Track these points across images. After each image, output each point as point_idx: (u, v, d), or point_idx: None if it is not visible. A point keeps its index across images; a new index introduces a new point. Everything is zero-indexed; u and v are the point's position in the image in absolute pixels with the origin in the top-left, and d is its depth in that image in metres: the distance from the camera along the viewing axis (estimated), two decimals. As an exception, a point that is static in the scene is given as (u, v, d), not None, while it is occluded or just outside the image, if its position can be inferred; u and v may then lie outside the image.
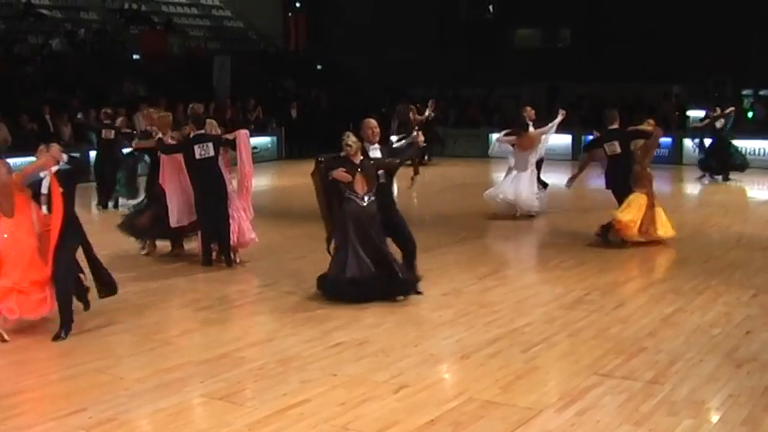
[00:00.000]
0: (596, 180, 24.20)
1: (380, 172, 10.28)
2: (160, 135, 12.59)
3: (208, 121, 12.79)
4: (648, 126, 13.65)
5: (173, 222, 12.42)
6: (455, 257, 12.86)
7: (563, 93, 31.71)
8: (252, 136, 27.25)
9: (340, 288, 10.08)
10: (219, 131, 12.78)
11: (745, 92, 31.31)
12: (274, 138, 28.96)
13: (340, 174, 9.90)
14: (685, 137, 26.48)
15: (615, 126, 13.80)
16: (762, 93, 30.89)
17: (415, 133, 11.00)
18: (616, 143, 13.48)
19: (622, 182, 13.47)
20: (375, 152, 10.29)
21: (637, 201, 13.27)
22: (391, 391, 7.35)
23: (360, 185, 9.95)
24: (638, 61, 30.14)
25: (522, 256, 12.67)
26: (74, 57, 29.15)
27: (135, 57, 31.19)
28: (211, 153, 12.04)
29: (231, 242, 12.15)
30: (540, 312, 9.80)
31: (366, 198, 9.95)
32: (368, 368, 7.94)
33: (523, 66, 32.64)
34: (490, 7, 38.08)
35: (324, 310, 9.93)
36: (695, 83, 30.75)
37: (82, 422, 6.73)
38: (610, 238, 13.52)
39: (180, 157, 12.29)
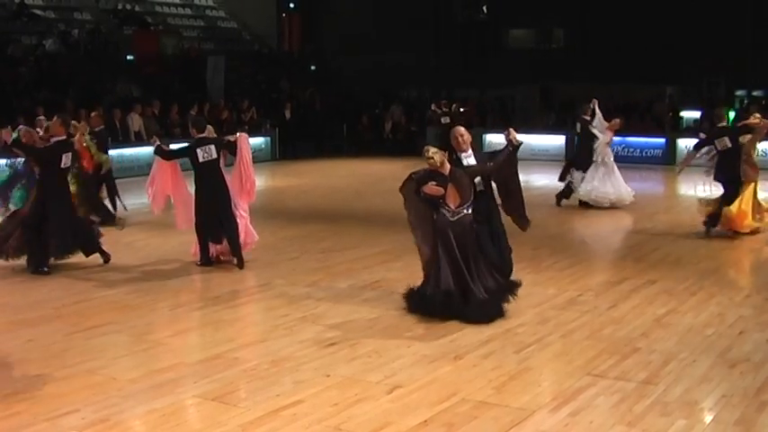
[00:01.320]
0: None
1: (478, 180, 9.77)
2: (158, 142, 12.51)
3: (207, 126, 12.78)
4: (755, 119, 14.41)
5: (182, 225, 12.52)
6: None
7: (556, 93, 31.75)
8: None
9: (433, 302, 9.44)
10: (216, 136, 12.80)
11: (738, 93, 31.38)
12: (268, 138, 28.92)
13: (431, 189, 9.28)
14: (679, 137, 26.51)
15: (723, 123, 14.68)
16: (755, 93, 30.95)
17: (506, 132, 10.10)
18: (726, 138, 14.10)
19: (733, 173, 14.01)
20: (469, 160, 9.83)
21: (747, 192, 13.95)
22: (384, 391, 7.35)
23: (452, 198, 9.35)
24: (631, 62, 30.20)
25: (514, 256, 12.62)
26: (67, 57, 29.11)
27: (129, 57, 31.14)
28: (214, 155, 12.11)
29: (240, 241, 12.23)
30: (533, 313, 9.79)
31: (458, 211, 9.35)
32: (361, 369, 7.94)
33: (517, 67, 32.69)
34: (484, 8, 38.13)
35: (317, 311, 9.93)
36: (688, 84, 30.81)
37: (75, 423, 6.72)
38: (719, 229, 14.16)
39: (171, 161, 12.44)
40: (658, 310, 9.89)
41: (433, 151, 9.38)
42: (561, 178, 18.13)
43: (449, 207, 9.37)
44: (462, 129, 10.14)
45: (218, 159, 12.17)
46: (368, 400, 7.14)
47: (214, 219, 12.09)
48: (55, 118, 12.75)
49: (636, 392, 7.28)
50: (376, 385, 7.50)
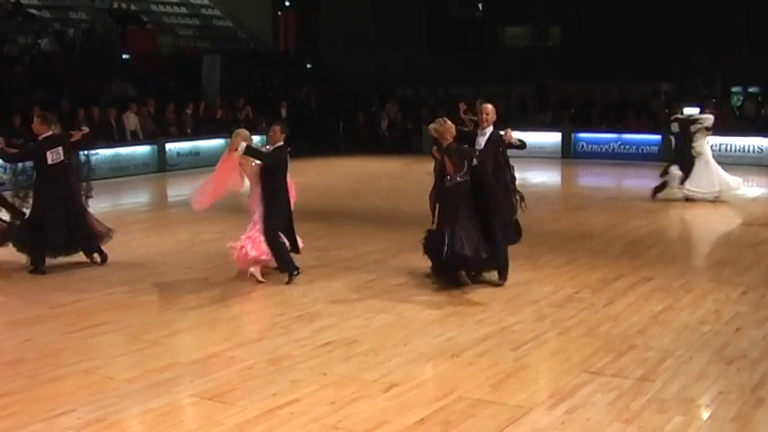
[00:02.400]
0: (585, 178, 24.34)
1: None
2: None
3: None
4: None
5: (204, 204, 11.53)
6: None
7: (552, 91, 31.74)
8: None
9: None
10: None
11: (734, 89, 31.38)
12: (264, 137, 28.86)
13: (433, 151, 10.86)
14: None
15: None
16: (751, 90, 30.96)
17: (503, 132, 10.97)
18: None
19: None
20: (481, 139, 10.99)
21: None
22: (381, 390, 7.35)
23: (448, 166, 10.60)
24: (627, 59, 30.19)
25: (511, 254, 12.64)
26: (63, 57, 29.07)
27: (124, 56, 31.10)
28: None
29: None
30: (530, 310, 9.80)
31: (452, 179, 10.63)
32: (357, 367, 7.94)
33: (512, 64, 32.64)
34: (479, 6, 38.13)
35: (313, 310, 9.93)
36: (684, 80, 30.80)
37: (71, 423, 6.71)
38: None
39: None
40: (655, 307, 9.90)
41: (432, 126, 10.83)
42: (662, 174, 18.54)
43: (447, 173, 10.64)
44: (490, 107, 11.17)
45: None
46: (364, 399, 7.14)
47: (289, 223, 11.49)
48: (35, 118, 12.52)
49: (633, 389, 7.28)
50: (373, 384, 7.50)
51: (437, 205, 10.94)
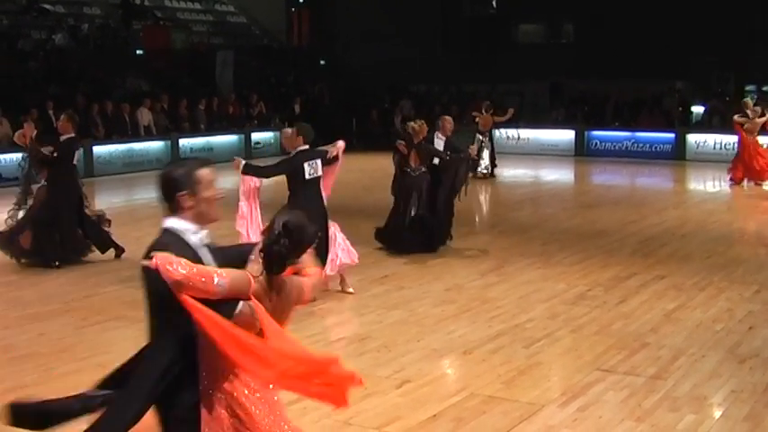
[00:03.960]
0: (599, 176, 24.29)
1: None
2: (244, 161, 10.35)
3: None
4: None
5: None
6: (457, 253, 12.85)
7: (566, 89, 31.69)
8: (254, 131, 27.01)
9: (379, 235, 12.90)
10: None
11: (748, 87, 31.27)
12: (277, 133, 28.89)
13: (400, 145, 12.78)
14: (688, 132, 26.44)
15: None
16: (765, 88, 30.84)
17: (473, 146, 13.09)
18: None
19: None
20: (439, 142, 13.29)
21: None
22: (394, 386, 7.36)
23: (413, 160, 12.66)
24: (640, 57, 30.11)
25: (524, 251, 12.66)
26: (77, 52, 29.15)
27: (138, 52, 31.16)
28: (320, 172, 10.26)
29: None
30: (543, 308, 9.80)
31: (416, 170, 12.67)
32: (370, 363, 7.95)
33: (526, 62, 32.58)
34: (493, 3, 38.09)
35: (326, 306, 9.93)
36: (698, 78, 30.71)
37: (84, 417, 6.72)
38: None
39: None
40: (667, 305, 9.88)
41: (410, 125, 12.79)
42: None
43: (410, 166, 12.66)
44: (448, 118, 13.83)
45: (321, 177, 10.33)
46: (377, 395, 7.15)
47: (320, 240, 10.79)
48: (63, 116, 12.57)
49: (645, 387, 7.28)
50: (385, 380, 7.51)
51: (397, 190, 12.91)
